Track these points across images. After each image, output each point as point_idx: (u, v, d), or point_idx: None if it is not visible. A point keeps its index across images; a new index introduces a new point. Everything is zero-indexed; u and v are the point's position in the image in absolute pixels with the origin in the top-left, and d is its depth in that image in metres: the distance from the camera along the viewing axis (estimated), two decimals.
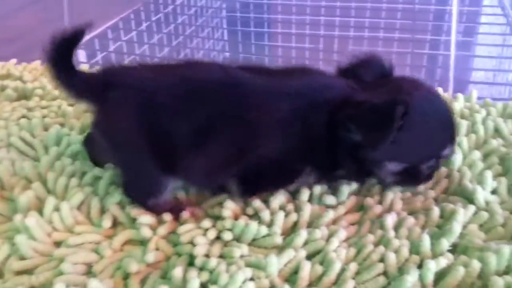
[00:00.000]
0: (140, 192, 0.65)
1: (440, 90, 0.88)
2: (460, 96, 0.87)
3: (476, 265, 0.53)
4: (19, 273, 0.58)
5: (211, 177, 0.65)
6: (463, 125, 0.78)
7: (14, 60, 1.07)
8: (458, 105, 0.84)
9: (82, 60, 1.36)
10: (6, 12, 1.77)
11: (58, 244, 0.62)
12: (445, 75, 0.96)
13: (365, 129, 0.59)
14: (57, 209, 0.64)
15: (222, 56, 1.73)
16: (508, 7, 1.42)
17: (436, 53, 1.34)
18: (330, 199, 0.66)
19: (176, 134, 0.61)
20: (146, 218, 0.63)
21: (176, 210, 0.65)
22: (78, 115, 0.87)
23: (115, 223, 0.65)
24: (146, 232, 0.62)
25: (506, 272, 0.54)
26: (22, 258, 0.60)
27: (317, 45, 1.53)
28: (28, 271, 0.58)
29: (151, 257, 0.58)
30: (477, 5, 1.56)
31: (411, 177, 0.65)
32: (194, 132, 0.60)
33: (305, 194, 0.66)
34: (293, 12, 1.74)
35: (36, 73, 1.03)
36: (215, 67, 0.64)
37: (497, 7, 1.55)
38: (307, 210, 0.64)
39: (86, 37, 1.40)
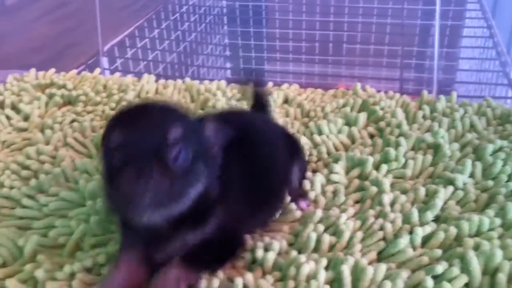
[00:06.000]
0: None
1: (425, 92, 1.05)
2: (442, 97, 1.03)
3: (453, 230, 0.69)
4: (94, 246, 0.73)
5: None
6: (444, 122, 0.95)
7: (53, 70, 1.20)
8: (440, 105, 1.01)
9: (105, 67, 1.51)
10: (25, 22, 1.90)
11: None
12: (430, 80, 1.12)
13: None
14: None
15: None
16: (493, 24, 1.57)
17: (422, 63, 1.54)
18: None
19: None
20: None
21: None
22: None
23: None
24: None
25: (476, 235, 0.70)
26: (95, 235, 0.75)
27: None
28: (101, 245, 0.73)
29: None
30: (460, 19, 1.74)
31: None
32: None
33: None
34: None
35: (75, 81, 1.17)
36: None
37: (481, 18, 1.70)
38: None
39: (108, 46, 1.56)
